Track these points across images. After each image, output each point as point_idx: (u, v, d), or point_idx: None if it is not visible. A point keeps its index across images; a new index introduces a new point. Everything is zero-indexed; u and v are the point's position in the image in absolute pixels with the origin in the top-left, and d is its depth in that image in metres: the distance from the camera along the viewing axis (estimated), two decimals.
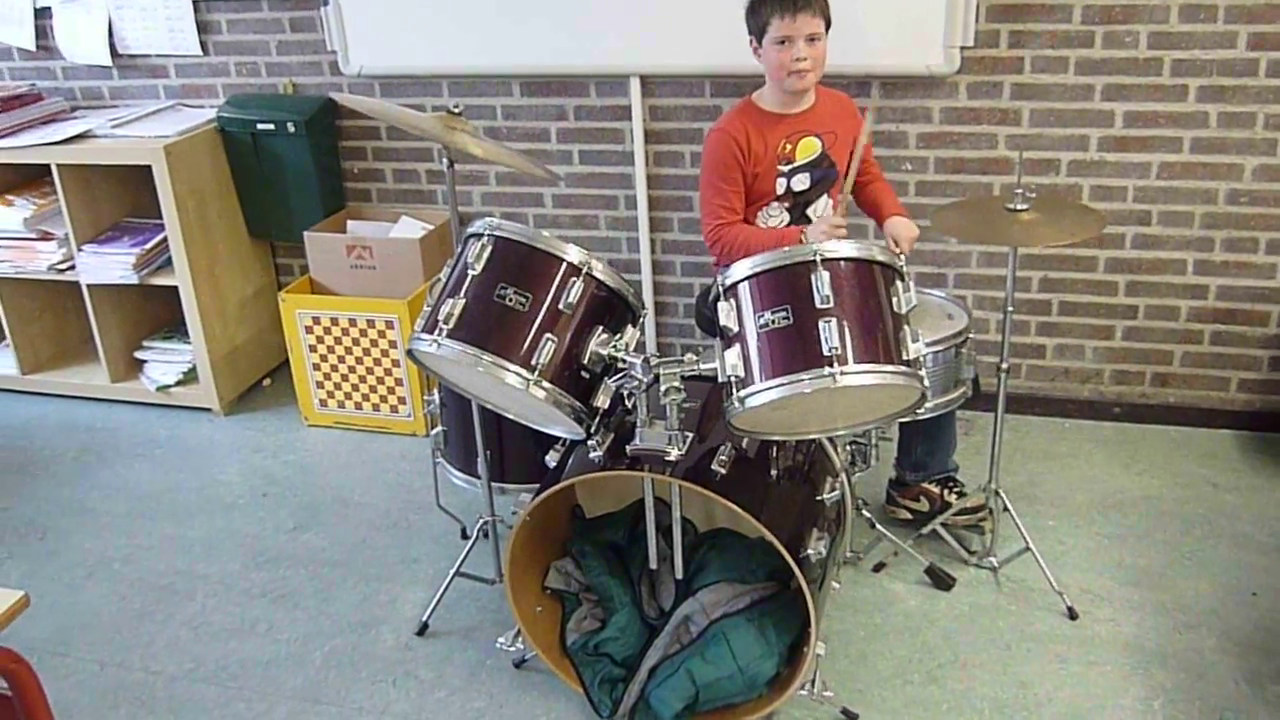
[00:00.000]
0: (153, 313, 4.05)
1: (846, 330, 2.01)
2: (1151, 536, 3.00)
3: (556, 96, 3.63)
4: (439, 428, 2.84)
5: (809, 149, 2.82)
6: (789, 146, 2.81)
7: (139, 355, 4.03)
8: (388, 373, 3.63)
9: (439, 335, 2.16)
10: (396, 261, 3.60)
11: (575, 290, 2.17)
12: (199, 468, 3.61)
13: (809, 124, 2.82)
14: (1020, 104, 3.26)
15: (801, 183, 2.84)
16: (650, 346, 3.85)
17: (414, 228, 3.76)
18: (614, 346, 2.20)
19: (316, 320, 3.62)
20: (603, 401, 2.24)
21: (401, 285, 3.58)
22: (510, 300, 2.16)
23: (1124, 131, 3.22)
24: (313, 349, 3.67)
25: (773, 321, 2.03)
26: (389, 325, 3.54)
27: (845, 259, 2.06)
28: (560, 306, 2.17)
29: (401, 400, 3.66)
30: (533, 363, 2.14)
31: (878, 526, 2.89)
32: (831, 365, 1.98)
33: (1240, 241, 3.27)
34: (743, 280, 2.09)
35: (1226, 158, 3.19)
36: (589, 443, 2.26)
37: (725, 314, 2.09)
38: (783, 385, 2.00)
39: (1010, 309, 2.62)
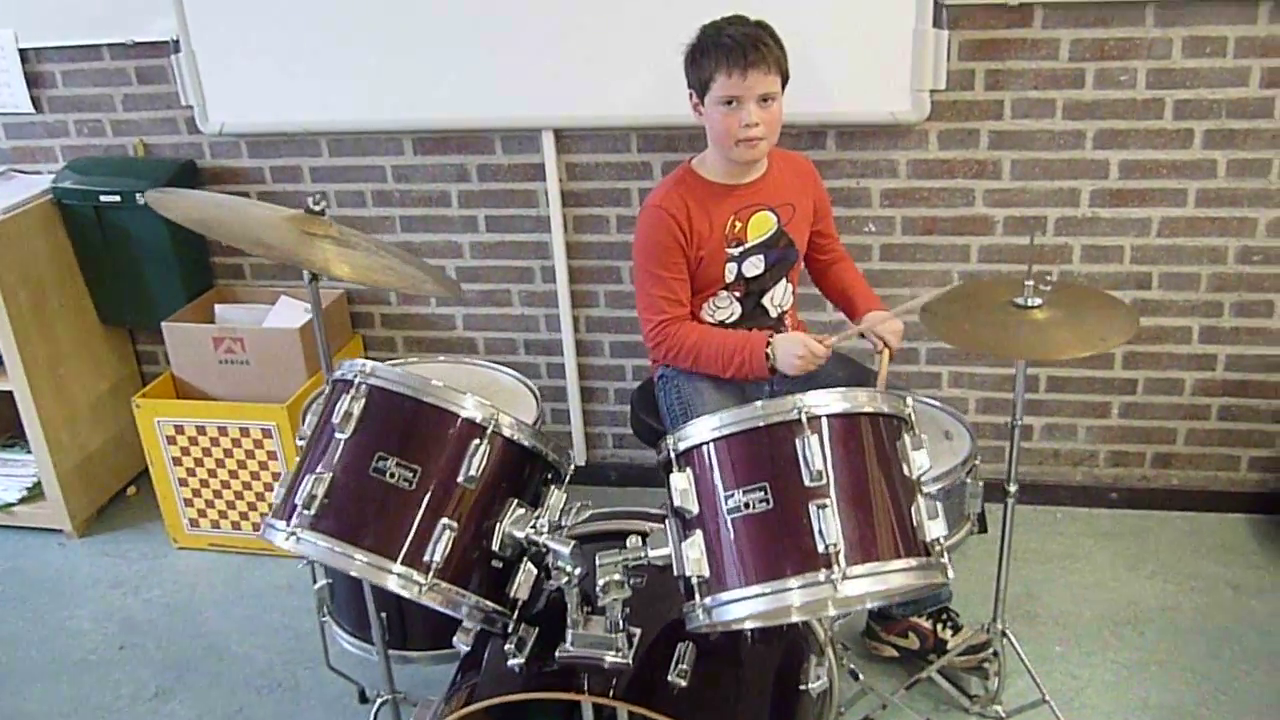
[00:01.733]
0: None
1: (846, 516, 1.50)
2: (1176, 662, 2.56)
3: (456, 154, 3.08)
4: (323, 581, 2.30)
5: (762, 226, 2.34)
6: (739, 224, 2.32)
7: None
8: (268, 487, 3.05)
9: (298, 525, 1.61)
10: (273, 356, 3.03)
11: (478, 457, 1.64)
12: (45, 612, 3.00)
13: (761, 196, 2.34)
14: (1000, 154, 2.80)
15: (754, 267, 2.35)
16: (578, 439, 3.33)
17: (294, 311, 3.19)
18: (533, 527, 1.67)
19: (180, 429, 3.03)
20: (522, 592, 1.71)
21: (280, 384, 3.01)
22: (392, 475, 1.62)
23: (1120, 183, 2.79)
24: (178, 462, 3.08)
25: (747, 505, 1.51)
26: (266, 434, 2.97)
27: (839, 415, 1.55)
28: (459, 480, 1.64)
29: None
30: (424, 559, 1.61)
31: (861, 678, 2.39)
32: (829, 567, 1.47)
33: (1252, 305, 2.86)
34: (704, 444, 1.57)
35: (1237, 211, 2.77)
36: (505, 646, 1.73)
37: (680, 491, 1.57)
38: (765, 596, 1.49)
39: (1019, 421, 2.15)
